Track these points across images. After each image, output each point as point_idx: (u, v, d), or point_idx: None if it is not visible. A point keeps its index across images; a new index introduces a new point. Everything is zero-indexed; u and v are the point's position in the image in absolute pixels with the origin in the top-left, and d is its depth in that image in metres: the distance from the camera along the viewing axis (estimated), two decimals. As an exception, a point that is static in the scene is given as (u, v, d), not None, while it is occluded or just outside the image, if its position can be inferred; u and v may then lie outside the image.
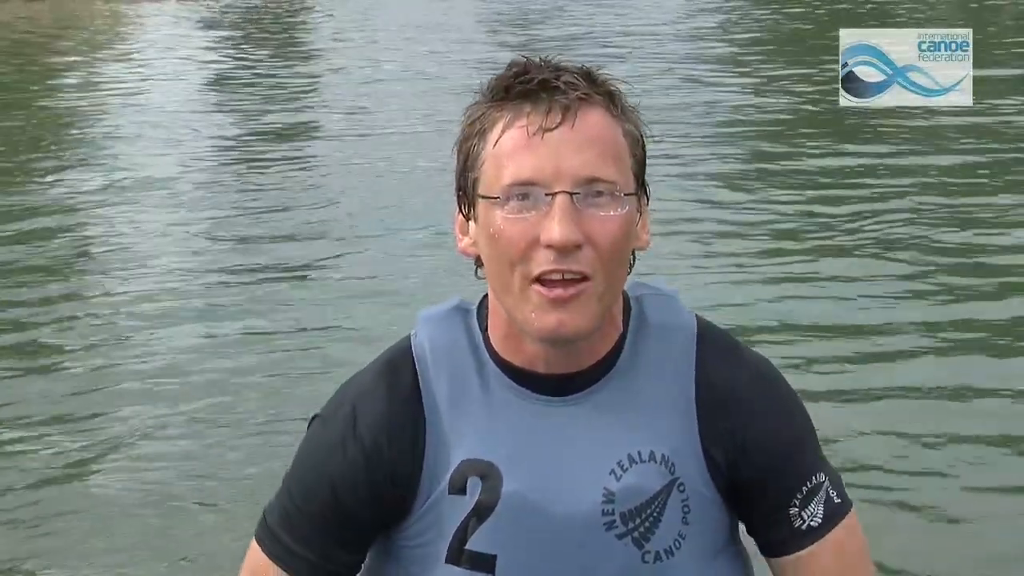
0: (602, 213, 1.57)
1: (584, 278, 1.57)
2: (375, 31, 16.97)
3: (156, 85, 13.03)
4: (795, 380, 1.85)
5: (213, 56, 15.29)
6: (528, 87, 1.58)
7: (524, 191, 1.57)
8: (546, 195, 1.56)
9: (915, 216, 7.36)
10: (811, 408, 1.78)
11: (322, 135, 10.46)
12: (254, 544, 1.75)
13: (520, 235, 1.57)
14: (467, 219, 1.66)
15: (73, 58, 15.18)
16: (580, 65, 1.63)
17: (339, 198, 8.29)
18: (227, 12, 19.86)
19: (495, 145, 1.59)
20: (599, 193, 1.57)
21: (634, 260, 1.67)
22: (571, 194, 1.56)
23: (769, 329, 5.67)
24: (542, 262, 1.56)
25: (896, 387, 5.08)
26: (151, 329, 5.95)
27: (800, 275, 6.46)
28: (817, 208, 7.68)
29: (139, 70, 14.05)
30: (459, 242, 1.69)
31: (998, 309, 5.92)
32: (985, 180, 8.19)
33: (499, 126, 1.59)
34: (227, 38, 16.91)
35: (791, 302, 6.07)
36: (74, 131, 10.81)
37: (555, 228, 1.55)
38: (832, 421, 4.55)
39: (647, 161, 1.67)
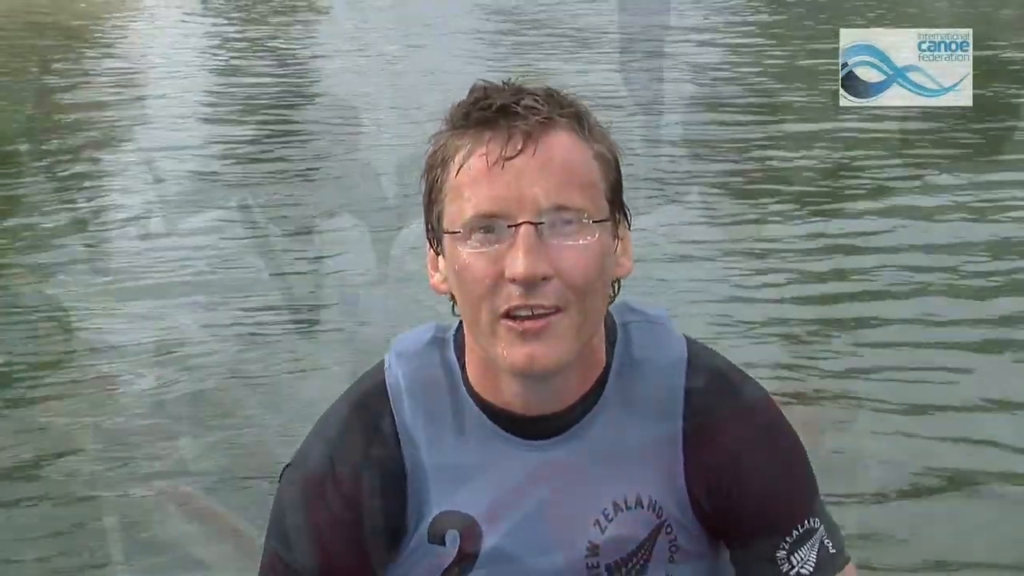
0: (570, 243, 1.49)
1: (556, 310, 1.49)
2: (378, 25, 16.94)
3: (156, 72, 13.05)
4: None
5: (212, 44, 15.30)
6: (487, 114, 1.50)
7: (487, 223, 1.49)
8: (509, 226, 1.48)
9: (917, 218, 7.28)
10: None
11: (322, 129, 10.35)
12: None
13: (484, 270, 1.49)
14: (437, 254, 1.58)
15: (71, 46, 15.12)
16: (544, 86, 1.55)
17: (340, 190, 8.23)
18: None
19: (456, 175, 1.52)
20: (567, 222, 1.49)
21: (618, 289, 1.59)
22: (535, 224, 1.48)
23: (763, 334, 5.62)
24: (509, 297, 1.49)
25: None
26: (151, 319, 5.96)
27: (798, 278, 6.42)
28: (816, 208, 7.60)
29: (138, 57, 14.10)
30: (431, 278, 1.61)
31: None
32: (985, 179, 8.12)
33: (460, 155, 1.51)
34: (227, 27, 16.89)
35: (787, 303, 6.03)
36: (71, 119, 10.74)
37: (519, 261, 1.47)
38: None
39: (623, 184, 1.58)
